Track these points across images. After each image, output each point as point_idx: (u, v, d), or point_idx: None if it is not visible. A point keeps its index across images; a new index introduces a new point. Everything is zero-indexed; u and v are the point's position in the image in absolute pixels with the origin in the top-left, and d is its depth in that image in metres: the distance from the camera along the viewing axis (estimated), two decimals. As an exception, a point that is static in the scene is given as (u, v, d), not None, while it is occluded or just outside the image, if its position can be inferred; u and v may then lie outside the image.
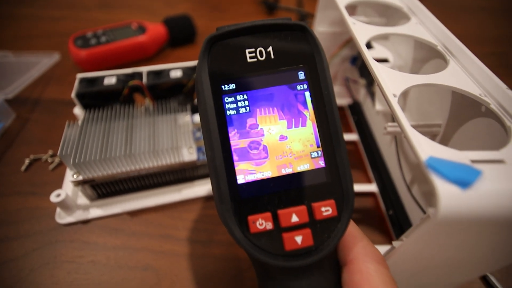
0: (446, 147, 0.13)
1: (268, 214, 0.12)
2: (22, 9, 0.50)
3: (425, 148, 0.12)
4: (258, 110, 0.13)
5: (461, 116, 0.18)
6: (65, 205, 0.23)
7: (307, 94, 0.13)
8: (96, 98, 0.26)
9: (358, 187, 0.26)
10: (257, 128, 0.12)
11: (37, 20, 0.47)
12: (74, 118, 0.27)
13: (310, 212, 0.12)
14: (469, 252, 0.14)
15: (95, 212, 0.25)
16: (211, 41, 0.12)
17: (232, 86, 0.12)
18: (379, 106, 0.24)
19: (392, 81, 0.16)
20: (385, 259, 0.13)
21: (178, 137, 0.24)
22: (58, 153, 0.22)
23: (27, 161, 0.28)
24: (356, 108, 0.33)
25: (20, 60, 0.37)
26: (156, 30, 0.40)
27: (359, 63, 0.31)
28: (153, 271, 0.22)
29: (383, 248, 0.22)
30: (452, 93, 0.18)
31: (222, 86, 0.12)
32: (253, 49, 0.12)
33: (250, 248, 0.12)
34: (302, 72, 0.13)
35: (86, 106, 0.26)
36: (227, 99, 0.12)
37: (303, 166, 0.13)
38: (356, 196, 0.26)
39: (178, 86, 0.28)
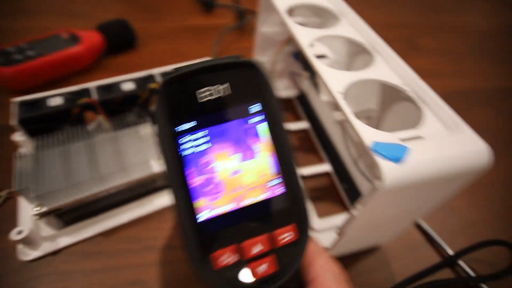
0: (382, 131, 0.16)
1: (232, 248, 0.12)
2: None
3: (368, 134, 0.16)
4: (212, 147, 0.13)
5: (388, 101, 0.23)
6: (29, 240, 0.22)
7: (259, 126, 0.13)
8: (43, 122, 0.24)
9: (314, 169, 0.30)
10: (212, 164, 0.13)
11: None
12: (14, 146, 0.25)
13: (273, 239, 0.13)
14: (407, 207, 0.18)
15: (65, 240, 0.24)
16: (165, 84, 0.12)
17: (186, 126, 0.13)
18: (324, 97, 0.28)
19: (337, 80, 0.19)
20: (344, 273, 0.14)
21: (144, 150, 0.25)
22: (14, 188, 0.20)
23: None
24: (303, 99, 0.37)
25: None
26: (91, 38, 0.37)
27: (301, 58, 0.34)
28: (142, 284, 0.22)
29: (342, 216, 0.26)
30: (381, 83, 0.22)
31: (176, 128, 0.13)
32: (204, 89, 0.13)
33: (218, 284, 0.12)
34: (253, 107, 0.13)
35: (32, 132, 0.24)
36: (181, 140, 0.13)
37: (261, 196, 0.13)
38: (313, 177, 0.30)
39: (131, 98, 0.28)
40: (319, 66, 0.20)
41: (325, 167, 0.30)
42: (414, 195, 0.16)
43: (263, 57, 0.34)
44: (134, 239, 0.25)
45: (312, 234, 0.14)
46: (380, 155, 0.14)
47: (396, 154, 0.14)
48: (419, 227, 0.27)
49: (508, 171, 0.33)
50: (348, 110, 0.17)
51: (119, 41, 0.40)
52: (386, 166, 0.14)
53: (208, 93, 0.13)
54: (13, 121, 0.23)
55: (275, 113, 0.13)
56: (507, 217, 0.29)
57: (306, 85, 0.37)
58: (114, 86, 0.27)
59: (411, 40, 0.52)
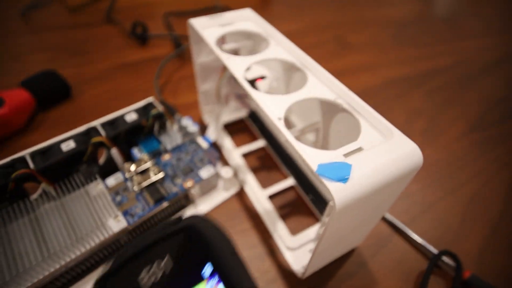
0: (325, 151, 0.17)
1: None
2: None
3: (313, 157, 0.16)
4: None
5: (329, 113, 0.24)
6: None
7: (220, 286, 0.12)
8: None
9: (279, 186, 0.30)
10: None
11: None
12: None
13: None
14: (368, 212, 0.19)
15: None
16: (99, 283, 0.11)
17: None
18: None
19: (275, 105, 0.20)
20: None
21: (99, 211, 0.23)
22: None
23: None
24: (254, 117, 0.37)
25: None
26: (16, 97, 0.34)
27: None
28: None
29: (315, 228, 0.26)
30: (319, 100, 0.23)
31: None
32: (143, 275, 0.11)
33: None
34: (206, 268, 0.12)
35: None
36: None
37: None
38: (280, 193, 0.30)
39: (75, 157, 0.26)
40: (257, 96, 0.20)
41: (289, 181, 0.31)
42: (369, 203, 0.17)
43: (206, 85, 0.34)
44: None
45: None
46: (326, 179, 0.15)
47: (342, 174, 0.15)
48: (384, 219, 0.28)
49: (445, 147, 0.36)
50: (290, 137, 0.17)
51: (50, 94, 0.37)
52: (334, 189, 0.14)
53: (148, 276, 0.11)
54: None
55: (233, 265, 0.12)
56: (456, 190, 0.32)
57: (255, 103, 0.37)
58: (53, 149, 0.25)
59: (342, 39, 0.56)
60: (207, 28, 0.28)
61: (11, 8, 0.57)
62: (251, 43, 0.32)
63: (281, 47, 0.26)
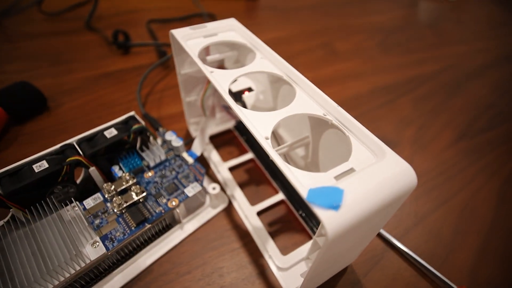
0: (316, 173, 0.16)
1: None
2: None
3: (303, 181, 0.15)
4: None
5: (319, 128, 0.23)
6: None
7: None
8: None
9: (270, 200, 0.29)
10: None
11: None
12: None
13: None
14: (363, 234, 0.18)
15: None
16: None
17: None
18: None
19: (261, 124, 0.19)
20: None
21: (74, 238, 0.21)
22: None
23: None
24: (241, 128, 0.36)
25: None
26: (-13, 112, 0.32)
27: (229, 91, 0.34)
28: None
29: (307, 246, 0.25)
30: (308, 115, 0.22)
31: None
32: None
33: None
34: None
35: None
36: None
37: None
38: (270, 208, 0.29)
39: (49, 178, 0.24)
40: (243, 115, 0.19)
41: (279, 195, 0.30)
42: (363, 227, 0.16)
43: (190, 96, 0.33)
44: None
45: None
46: (317, 206, 0.14)
47: (333, 201, 0.14)
48: (377, 234, 0.28)
49: (435, 156, 0.36)
50: (278, 159, 0.16)
51: (24, 107, 0.35)
52: (326, 217, 0.14)
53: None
54: None
55: None
56: (447, 201, 0.31)
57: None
58: (23, 171, 0.23)
59: (329, 46, 0.55)
60: (190, 39, 0.27)
61: (-15, 15, 0.55)
62: (235, 53, 0.31)
63: (267, 60, 0.25)
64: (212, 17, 0.60)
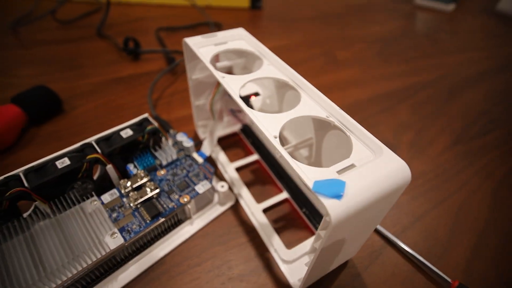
0: (320, 168, 0.18)
1: None
2: None
3: (308, 174, 0.17)
4: None
5: (322, 130, 0.25)
6: None
7: None
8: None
9: (275, 199, 0.31)
10: None
11: None
12: None
13: None
14: (362, 225, 0.20)
15: None
16: None
17: None
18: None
19: (270, 124, 0.21)
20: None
21: (95, 229, 0.23)
22: None
23: None
24: (247, 131, 0.38)
25: None
26: (7, 113, 0.34)
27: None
28: None
29: (309, 241, 0.27)
30: (312, 117, 0.24)
31: None
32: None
33: None
34: None
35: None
36: None
37: None
38: (275, 206, 0.31)
39: (70, 174, 0.26)
40: (254, 115, 0.21)
41: (283, 194, 0.31)
42: (363, 216, 0.18)
43: (200, 100, 0.35)
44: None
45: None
46: (322, 195, 0.16)
47: (336, 191, 0.16)
48: (376, 231, 0.29)
49: (432, 159, 0.38)
50: (286, 154, 0.18)
51: (42, 109, 0.37)
52: (330, 205, 0.15)
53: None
54: None
55: None
56: (443, 201, 0.33)
57: (247, 118, 0.38)
58: (47, 167, 0.25)
59: (330, 54, 0.58)
60: (202, 46, 0.29)
61: (0, 23, 0.57)
62: (243, 61, 0.33)
63: (274, 66, 0.27)
64: (218, 26, 0.63)
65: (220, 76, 0.25)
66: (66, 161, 0.26)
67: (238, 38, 0.31)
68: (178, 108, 0.42)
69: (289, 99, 0.30)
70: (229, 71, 0.35)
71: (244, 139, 0.38)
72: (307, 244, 0.27)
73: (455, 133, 0.42)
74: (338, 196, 0.16)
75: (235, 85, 0.24)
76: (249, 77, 0.25)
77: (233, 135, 0.39)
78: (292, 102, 0.27)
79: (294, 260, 0.26)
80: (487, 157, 0.39)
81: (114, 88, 0.45)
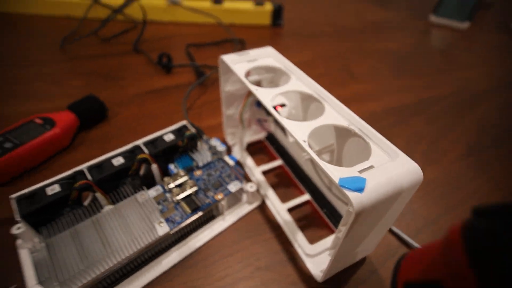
0: (344, 168, 0.21)
1: None
2: None
3: (334, 172, 0.20)
4: None
5: (343, 137, 0.28)
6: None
7: None
8: (44, 212, 0.26)
9: (297, 200, 0.34)
10: None
11: None
12: (14, 239, 0.26)
13: None
14: (379, 220, 0.23)
15: None
16: None
17: None
18: (291, 139, 0.33)
19: (300, 131, 0.24)
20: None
21: (147, 216, 0.27)
22: (33, 282, 0.21)
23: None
24: (272, 139, 0.42)
25: None
26: (65, 119, 0.39)
27: (263, 106, 0.40)
28: None
29: (331, 238, 0.29)
30: (334, 126, 0.27)
31: None
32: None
33: None
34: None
35: (34, 224, 0.25)
36: None
37: None
38: (297, 207, 0.34)
39: (122, 171, 0.30)
40: (286, 123, 0.25)
41: (305, 196, 0.34)
42: (380, 211, 0.21)
43: (230, 110, 0.39)
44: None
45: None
46: (347, 189, 0.19)
47: (358, 186, 0.19)
48: (392, 232, 0.32)
49: (445, 168, 0.40)
50: (315, 156, 0.22)
51: (93, 116, 0.42)
52: (353, 197, 0.18)
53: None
54: (17, 217, 0.24)
55: None
56: (455, 208, 0.35)
57: (272, 127, 0.42)
58: (105, 164, 0.29)
59: (347, 69, 0.61)
60: (236, 63, 0.33)
61: (50, 41, 0.64)
62: (271, 75, 0.37)
63: (300, 81, 0.30)
64: (241, 43, 0.68)
65: (254, 89, 0.29)
66: (120, 160, 0.30)
67: (267, 56, 0.35)
68: (208, 117, 0.46)
69: (313, 110, 0.34)
70: (258, 84, 0.39)
71: (268, 146, 0.41)
72: (328, 241, 0.30)
73: (468, 145, 0.44)
74: (360, 190, 0.19)
75: (267, 97, 0.28)
76: (279, 90, 0.29)
77: (258, 142, 0.42)
78: (315, 112, 0.31)
79: (316, 254, 0.29)
80: (498, 168, 0.40)
81: (150, 98, 0.50)
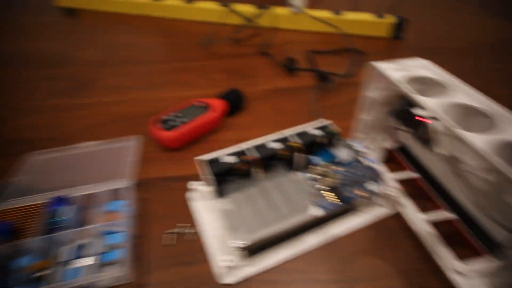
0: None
1: None
2: (76, 99, 0.54)
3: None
4: None
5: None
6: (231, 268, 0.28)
7: None
8: (223, 175, 0.32)
9: (437, 214, 0.33)
10: None
11: (94, 108, 0.52)
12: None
13: None
14: None
15: (249, 269, 0.28)
16: None
17: None
18: (442, 150, 0.33)
19: (478, 140, 0.24)
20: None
21: (304, 193, 0.30)
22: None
23: (165, 236, 0.32)
24: (405, 150, 0.41)
25: (112, 146, 0.42)
26: (219, 105, 0.46)
27: (401, 117, 0.40)
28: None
29: (480, 260, 0.28)
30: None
31: None
32: None
33: None
34: None
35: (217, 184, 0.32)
36: None
37: None
38: (438, 222, 0.33)
39: (275, 154, 0.34)
40: (464, 133, 0.25)
41: (444, 213, 0.33)
42: None
43: (367, 115, 0.41)
44: (300, 271, 0.29)
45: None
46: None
47: None
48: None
49: None
50: (506, 169, 0.21)
51: (237, 105, 0.49)
52: None
53: None
54: (211, 176, 0.31)
55: None
56: None
57: (404, 138, 0.42)
58: (264, 146, 0.34)
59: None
60: (389, 70, 0.35)
61: (192, 42, 0.76)
62: (420, 87, 0.37)
63: (464, 94, 0.30)
64: (360, 53, 0.69)
65: (415, 96, 0.30)
66: (275, 145, 0.34)
67: (420, 67, 0.35)
68: (333, 120, 0.49)
69: (473, 122, 0.32)
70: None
71: (398, 156, 0.41)
72: (480, 263, 0.28)
73: None
74: None
75: (438, 109, 0.29)
76: (441, 100, 0.29)
77: (388, 151, 0.43)
78: (477, 126, 0.30)
79: (467, 272, 0.28)
80: None
81: (277, 96, 0.55)
